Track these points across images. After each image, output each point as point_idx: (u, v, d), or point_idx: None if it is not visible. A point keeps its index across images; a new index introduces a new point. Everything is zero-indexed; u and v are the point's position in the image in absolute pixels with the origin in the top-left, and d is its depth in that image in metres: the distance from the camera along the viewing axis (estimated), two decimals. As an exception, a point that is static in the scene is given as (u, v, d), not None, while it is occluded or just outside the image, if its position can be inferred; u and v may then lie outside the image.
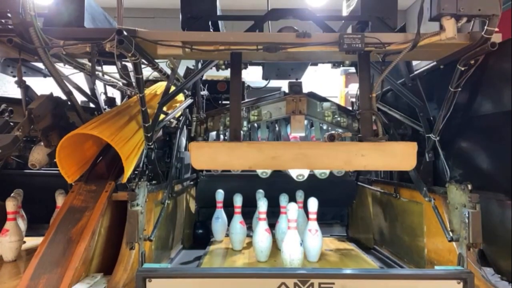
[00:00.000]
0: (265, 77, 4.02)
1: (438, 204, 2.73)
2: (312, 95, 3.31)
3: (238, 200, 3.80)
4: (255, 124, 3.60)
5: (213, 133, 5.01)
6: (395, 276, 2.26)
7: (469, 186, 2.32)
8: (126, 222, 2.30)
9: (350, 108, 3.70)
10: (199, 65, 3.63)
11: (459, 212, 2.38)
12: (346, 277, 2.17)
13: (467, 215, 2.29)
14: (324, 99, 3.33)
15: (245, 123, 3.19)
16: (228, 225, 3.86)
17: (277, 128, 3.77)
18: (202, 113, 3.39)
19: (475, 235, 2.26)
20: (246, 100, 3.46)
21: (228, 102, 4.54)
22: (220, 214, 4.01)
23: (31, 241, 3.38)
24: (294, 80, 3.44)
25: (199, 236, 4.36)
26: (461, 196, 2.37)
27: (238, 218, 3.76)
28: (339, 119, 3.19)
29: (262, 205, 3.52)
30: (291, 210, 3.18)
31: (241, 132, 2.87)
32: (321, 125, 3.52)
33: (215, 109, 3.46)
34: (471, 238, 2.26)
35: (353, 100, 4.23)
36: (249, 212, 3.90)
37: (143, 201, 2.45)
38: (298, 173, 3.30)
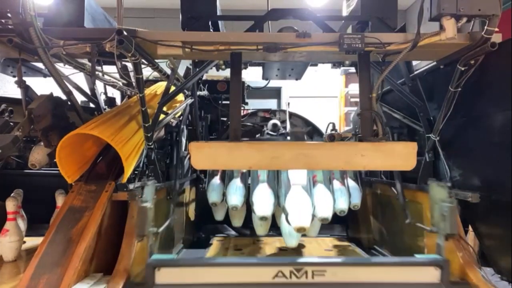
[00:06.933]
0: (265, 77, 4.01)
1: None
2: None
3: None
4: None
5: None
6: (380, 263, 2.48)
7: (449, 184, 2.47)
8: (132, 218, 2.48)
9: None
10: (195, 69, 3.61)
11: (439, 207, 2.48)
12: (337, 265, 2.37)
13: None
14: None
15: None
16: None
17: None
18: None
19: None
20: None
21: (228, 102, 4.54)
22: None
23: (31, 241, 3.37)
24: (298, 130, 3.36)
25: (200, 237, 4.36)
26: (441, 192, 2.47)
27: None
28: None
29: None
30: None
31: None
32: None
33: None
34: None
35: (353, 100, 4.23)
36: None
37: (151, 198, 2.56)
38: (299, 225, 2.97)
